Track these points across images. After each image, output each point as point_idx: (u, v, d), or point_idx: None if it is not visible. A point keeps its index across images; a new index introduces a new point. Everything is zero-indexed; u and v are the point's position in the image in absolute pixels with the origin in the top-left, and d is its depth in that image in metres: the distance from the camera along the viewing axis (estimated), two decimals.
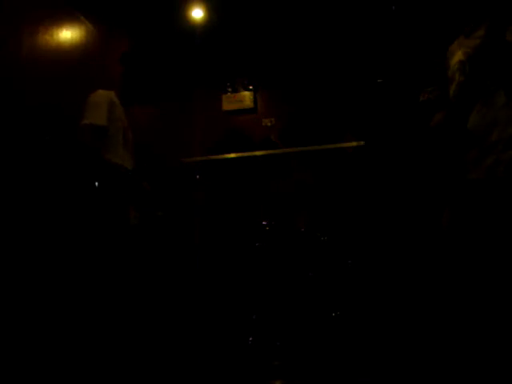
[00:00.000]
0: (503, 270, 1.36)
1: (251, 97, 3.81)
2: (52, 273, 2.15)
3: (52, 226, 2.20)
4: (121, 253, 2.06)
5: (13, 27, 2.14)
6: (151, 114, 3.64)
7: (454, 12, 1.65)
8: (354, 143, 3.34)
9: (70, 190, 2.30)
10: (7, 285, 1.91)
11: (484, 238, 1.41)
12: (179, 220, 3.33)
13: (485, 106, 1.42)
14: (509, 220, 1.35)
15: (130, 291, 2.09)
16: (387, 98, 3.18)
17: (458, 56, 1.55)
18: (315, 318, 2.88)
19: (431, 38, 2.53)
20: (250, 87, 3.83)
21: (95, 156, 2.06)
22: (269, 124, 3.78)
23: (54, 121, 2.32)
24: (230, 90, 3.84)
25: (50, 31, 2.42)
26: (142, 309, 2.23)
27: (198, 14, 3.43)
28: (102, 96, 2.17)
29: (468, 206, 1.48)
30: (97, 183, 2.09)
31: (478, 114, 1.43)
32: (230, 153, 3.65)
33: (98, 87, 2.22)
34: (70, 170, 2.30)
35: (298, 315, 2.91)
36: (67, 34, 2.59)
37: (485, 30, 1.45)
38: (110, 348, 1.97)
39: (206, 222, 3.51)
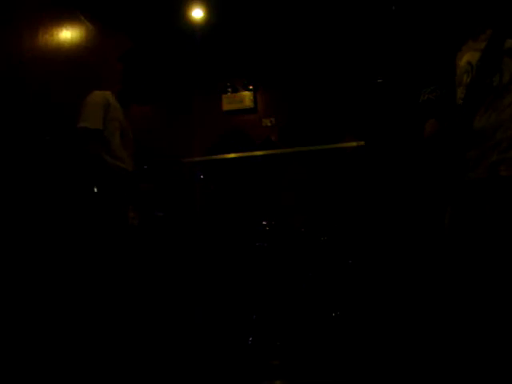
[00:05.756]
0: (504, 268, 1.36)
1: (251, 97, 3.81)
2: (51, 271, 2.15)
3: (49, 226, 2.20)
4: (119, 253, 2.05)
5: (13, 27, 2.14)
6: (151, 113, 3.64)
7: (460, 13, 1.65)
8: (354, 143, 3.34)
9: (68, 190, 2.30)
10: (7, 285, 1.91)
11: (486, 236, 1.42)
12: (179, 220, 3.33)
13: (489, 107, 1.43)
14: (510, 218, 1.35)
15: (130, 291, 2.09)
16: (387, 98, 3.18)
17: (465, 58, 1.56)
18: (315, 317, 2.88)
19: (432, 37, 2.53)
20: (250, 87, 3.83)
21: (93, 157, 2.06)
22: (269, 124, 3.78)
23: (54, 121, 2.31)
24: (230, 90, 3.85)
25: (51, 31, 2.42)
26: (143, 308, 2.23)
27: (198, 13, 3.43)
28: (98, 97, 2.14)
29: (469, 205, 1.48)
30: (95, 184, 2.09)
31: (483, 115, 1.44)
32: (230, 153, 3.65)
33: (97, 87, 2.21)
34: (68, 170, 2.30)
35: (298, 315, 2.91)
36: (67, 34, 2.59)
37: (490, 33, 1.45)
38: (110, 349, 1.97)
39: (206, 221, 3.51)
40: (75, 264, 2.19)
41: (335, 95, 3.55)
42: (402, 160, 2.94)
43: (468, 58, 1.54)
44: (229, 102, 3.84)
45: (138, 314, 2.15)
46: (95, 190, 2.08)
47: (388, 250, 2.90)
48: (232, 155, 3.64)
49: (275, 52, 3.72)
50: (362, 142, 3.29)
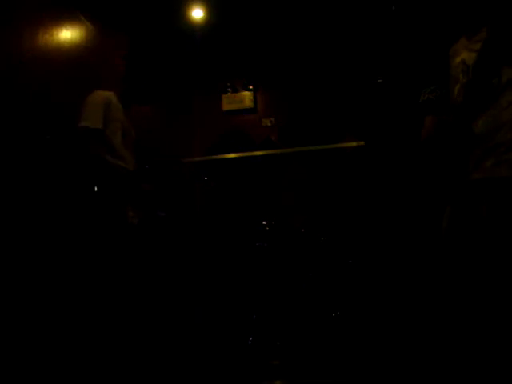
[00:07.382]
0: (502, 270, 1.36)
1: (251, 97, 3.81)
2: (50, 270, 2.15)
3: (49, 225, 2.20)
4: (118, 252, 2.05)
5: (13, 27, 2.14)
6: (151, 113, 3.64)
7: (455, 11, 1.65)
8: (354, 143, 3.34)
9: (68, 189, 2.30)
10: (6, 285, 1.91)
11: (485, 238, 1.42)
12: (180, 220, 3.33)
13: (489, 109, 1.42)
14: (510, 220, 1.35)
15: (130, 290, 2.08)
16: (387, 98, 3.18)
17: (461, 57, 1.55)
18: (315, 317, 2.88)
19: (432, 37, 2.53)
20: (250, 87, 3.83)
21: (93, 157, 2.06)
22: (269, 124, 3.78)
23: (55, 120, 2.32)
24: (230, 90, 3.85)
25: (51, 31, 2.42)
26: (143, 308, 2.23)
27: (198, 13, 3.44)
28: (99, 97, 2.15)
29: (469, 207, 1.48)
30: (94, 183, 2.09)
31: (482, 117, 1.44)
32: (230, 153, 3.65)
33: (98, 87, 2.22)
34: (68, 169, 2.30)
35: (298, 315, 2.91)
36: (67, 34, 2.59)
37: (485, 34, 1.45)
38: (109, 348, 1.97)
39: (207, 221, 3.51)
40: (74, 262, 2.19)
41: (335, 95, 3.55)
42: (402, 160, 2.94)
43: (463, 57, 1.53)
44: (229, 102, 3.84)
45: (137, 314, 2.15)
46: (95, 189, 2.08)
47: (388, 250, 2.89)
48: (232, 155, 3.64)
49: (275, 52, 3.73)
50: (362, 142, 3.29)
